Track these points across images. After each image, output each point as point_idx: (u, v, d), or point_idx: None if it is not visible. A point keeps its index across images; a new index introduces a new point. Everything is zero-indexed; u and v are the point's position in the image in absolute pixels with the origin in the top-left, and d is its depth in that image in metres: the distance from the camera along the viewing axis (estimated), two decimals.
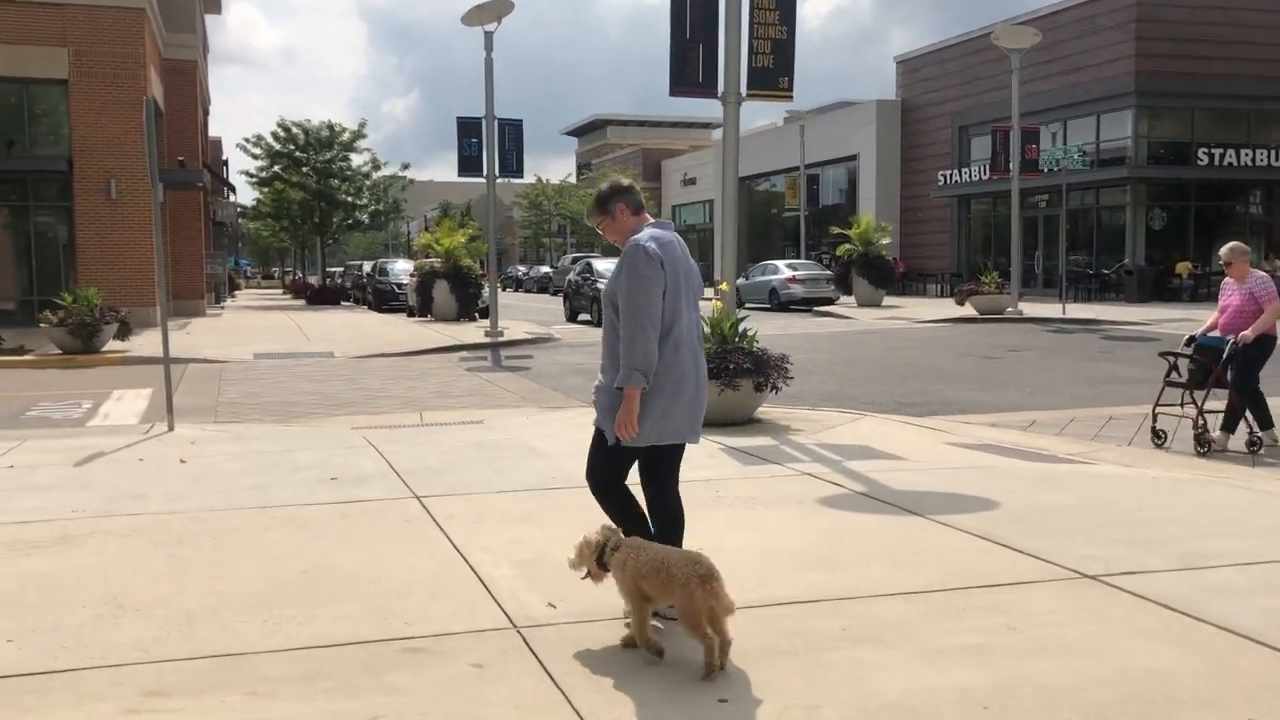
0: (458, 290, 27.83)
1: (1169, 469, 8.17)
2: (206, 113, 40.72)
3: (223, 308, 40.00)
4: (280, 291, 68.27)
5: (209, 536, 5.93)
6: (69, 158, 24.75)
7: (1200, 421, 8.88)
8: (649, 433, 4.35)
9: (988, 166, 34.56)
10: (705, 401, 4.58)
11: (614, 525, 4.41)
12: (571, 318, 28.36)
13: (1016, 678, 3.83)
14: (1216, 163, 32.76)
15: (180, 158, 30.54)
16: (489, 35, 21.05)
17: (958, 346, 19.03)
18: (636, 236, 4.36)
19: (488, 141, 21.88)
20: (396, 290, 35.04)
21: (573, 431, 9.69)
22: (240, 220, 59.61)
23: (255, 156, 45.80)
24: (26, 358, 17.76)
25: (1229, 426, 9.12)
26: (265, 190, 47.24)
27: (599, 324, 25.93)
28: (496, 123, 21.83)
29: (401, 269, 36.83)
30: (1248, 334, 8.86)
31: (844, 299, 32.63)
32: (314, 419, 11.37)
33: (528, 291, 56.80)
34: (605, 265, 28.34)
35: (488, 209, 22.51)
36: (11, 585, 5.00)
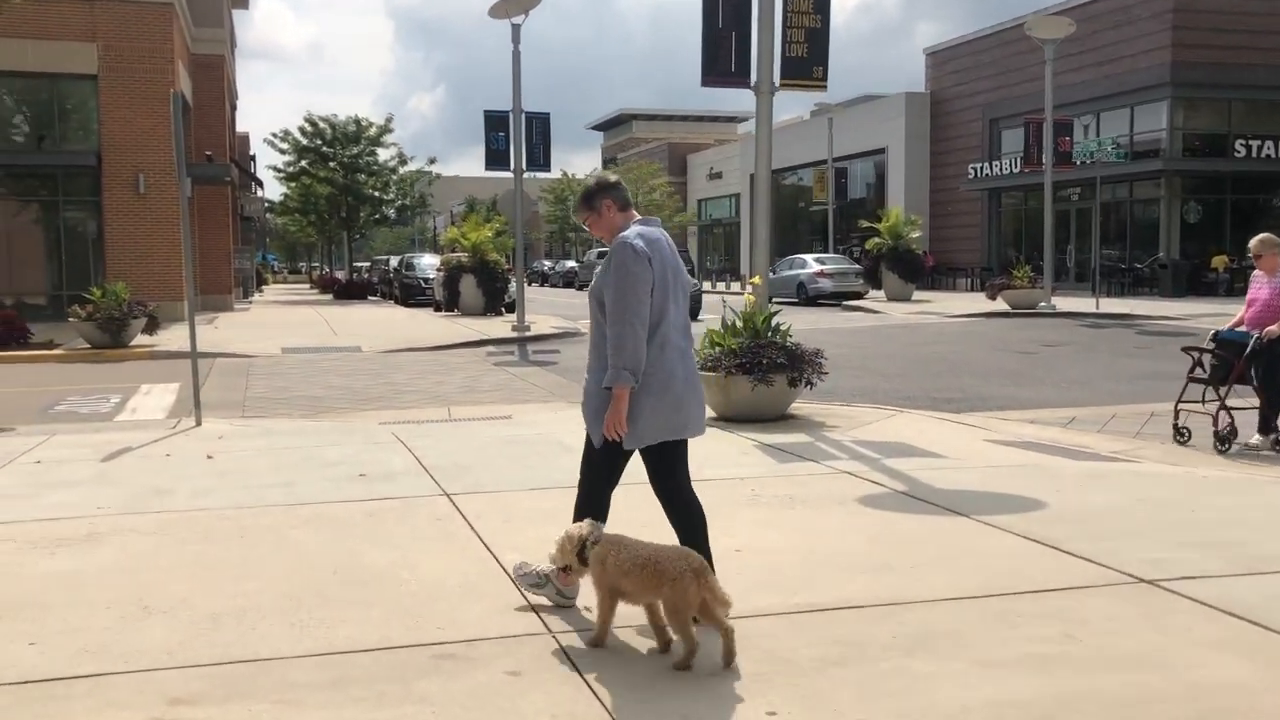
0: (484, 285, 27.74)
1: (1220, 468, 7.92)
2: (234, 108, 40.83)
3: (250, 302, 40.13)
4: (307, 286, 68.53)
5: (236, 534, 5.81)
6: (98, 152, 24.83)
7: (1226, 419, 8.59)
8: (637, 434, 4.25)
9: (1019, 159, 34.14)
10: (701, 394, 4.50)
11: (595, 520, 4.30)
12: None
13: (1079, 691, 3.63)
14: (1254, 155, 32.19)
15: (208, 152, 30.62)
16: (516, 28, 20.91)
17: (991, 342, 18.74)
18: (623, 234, 4.26)
19: (515, 135, 21.75)
20: (423, 285, 35.01)
21: None
22: (268, 215, 59.82)
23: (283, 151, 45.93)
24: (55, 352, 17.79)
25: (1266, 429, 8.79)
26: (292, 185, 47.35)
27: None
28: (524, 116, 21.70)
29: (428, 264, 36.78)
30: (1273, 329, 8.50)
31: (873, 293, 32.32)
32: (342, 414, 11.26)
33: (553, 286, 56.73)
34: None
35: (514, 203, 22.39)
36: (35, 586, 4.88)
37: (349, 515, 6.22)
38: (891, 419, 9.96)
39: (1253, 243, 9.07)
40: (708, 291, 36.23)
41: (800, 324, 10.79)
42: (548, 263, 66.67)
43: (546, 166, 23.03)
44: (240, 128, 46.51)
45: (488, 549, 5.44)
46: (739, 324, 10.06)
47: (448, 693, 3.66)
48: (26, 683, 3.76)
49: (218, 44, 32.71)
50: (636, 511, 4.89)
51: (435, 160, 49.13)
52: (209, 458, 8.15)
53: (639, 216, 4.42)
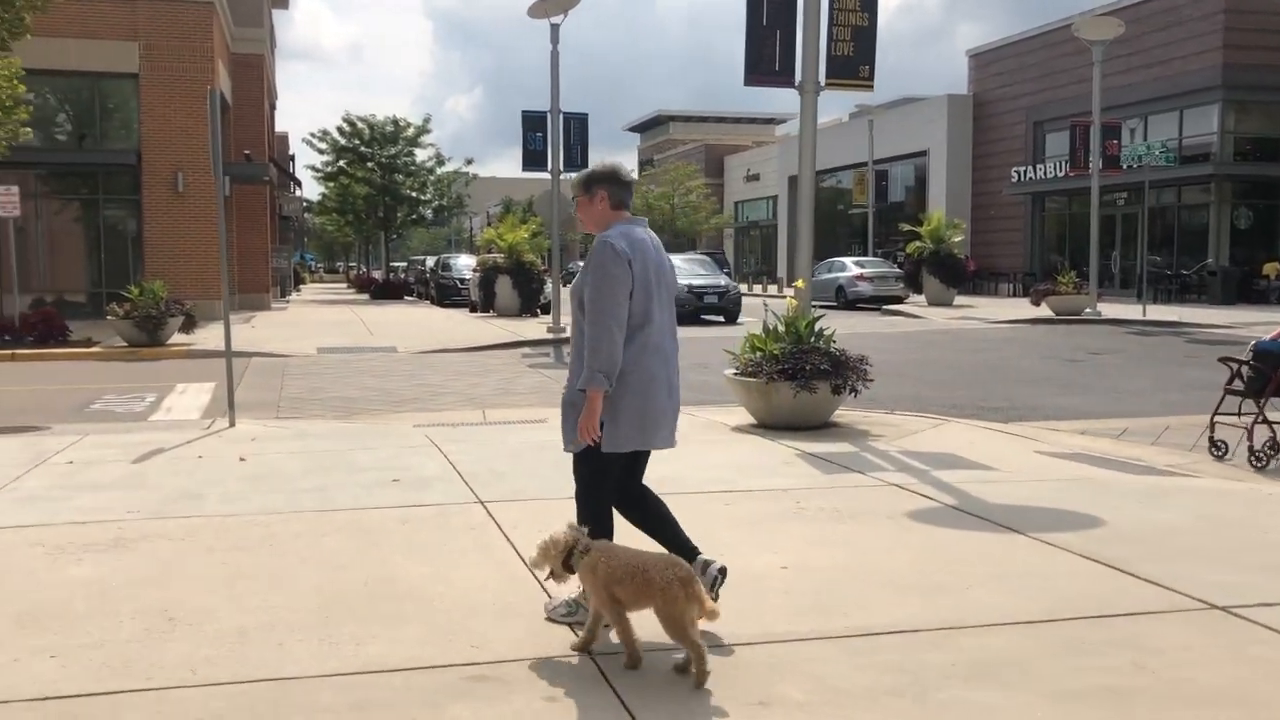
0: (520, 286, 27.65)
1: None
2: (273, 107, 41.05)
3: (288, 301, 40.31)
4: (344, 286, 68.91)
5: (265, 542, 5.65)
6: (138, 151, 24.97)
7: (1266, 432, 8.22)
8: (626, 438, 4.19)
9: (1064, 163, 33.58)
10: (679, 404, 4.44)
11: (579, 525, 4.18)
12: None
13: None
14: None
15: (247, 151, 30.74)
16: (555, 28, 20.77)
17: (1037, 348, 18.35)
18: (606, 233, 4.17)
19: (552, 136, 21.59)
20: (459, 285, 35.01)
21: None
22: (306, 214, 60.16)
23: (321, 151, 46.16)
24: (93, 350, 17.85)
25: None
26: (331, 185, 47.56)
27: None
28: (561, 117, 21.55)
29: (464, 264, 36.78)
30: None
31: (913, 298, 31.90)
32: (376, 416, 11.14)
33: None
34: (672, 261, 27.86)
35: (551, 204, 22.24)
36: (61, 594, 4.74)
37: (381, 523, 6.06)
38: (938, 428, 9.68)
39: None
40: (748, 295, 35.93)
41: (839, 328, 10.54)
42: (583, 263, 66.56)
43: (584, 167, 22.74)
44: (279, 127, 46.81)
45: (524, 562, 5.23)
46: (781, 328, 9.82)
47: (481, 719, 3.47)
48: (44, 699, 3.60)
49: (258, 43, 32.85)
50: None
51: (472, 161, 49.18)
52: (241, 460, 8.03)
53: (629, 217, 4.31)
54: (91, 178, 25.95)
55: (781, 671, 3.83)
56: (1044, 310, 25.71)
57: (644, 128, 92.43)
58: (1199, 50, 31.81)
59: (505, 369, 15.99)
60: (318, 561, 5.28)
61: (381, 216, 47.00)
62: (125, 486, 7.10)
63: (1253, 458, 8.15)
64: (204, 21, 25.19)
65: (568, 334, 20.58)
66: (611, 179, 4.33)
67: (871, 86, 10.56)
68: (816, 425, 9.42)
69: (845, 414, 10.09)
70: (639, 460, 4.45)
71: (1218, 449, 8.58)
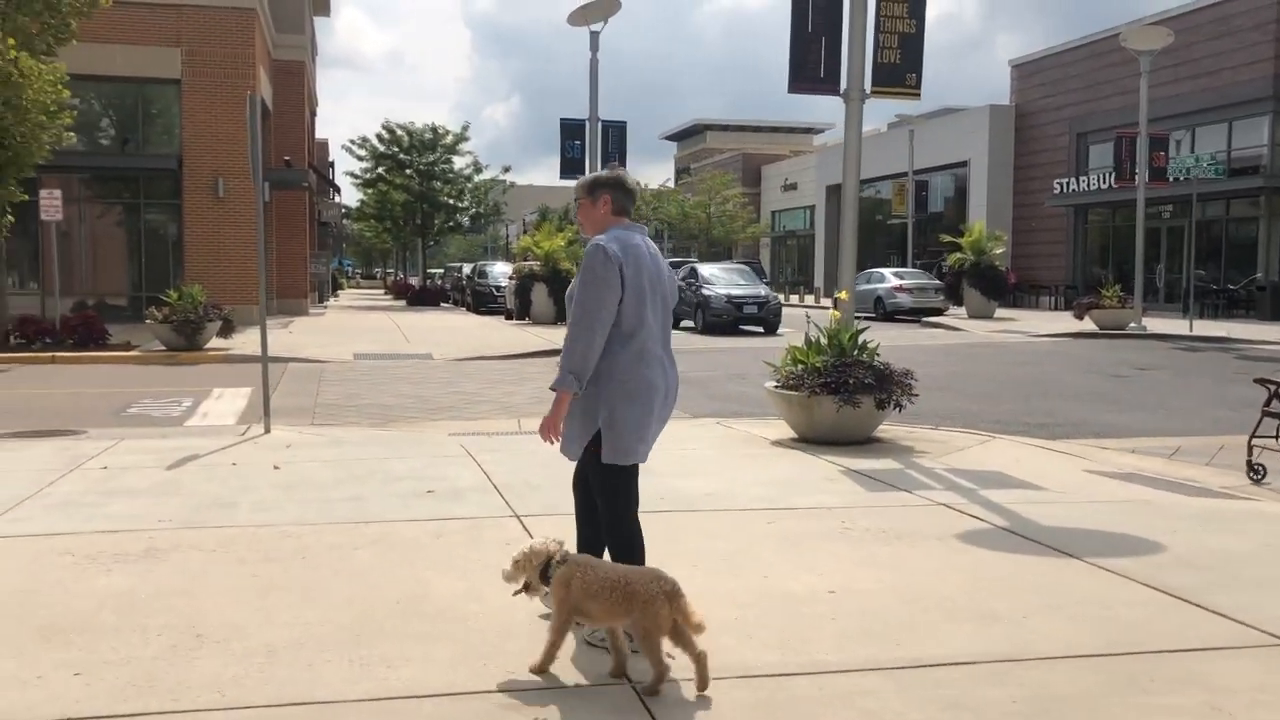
0: (556, 294, 27.55)
1: None
2: (314, 114, 41.32)
3: (325, 307, 40.50)
4: (381, 292, 69.26)
5: (297, 554, 5.53)
6: (179, 156, 25.14)
7: None
8: (632, 449, 4.17)
9: (1108, 175, 33.07)
10: (669, 416, 4.41)
11: (613, 557, 4.20)
12: (674, 324, 27.64)
13: None
14: None
15: (286, 158, 30.91)
16: (595, 35, 20.66)
17: (1081, 363, 17.98)
18: (599, 237, 4.15)
19: (590, 144, 21.47)
20: (495, 293, 35.01)
21: (679, 446, 9.16)
22: (344, 221, 60.53)
23: (360, 158, 46.37)
24: (132, 353, 17.92)
25: None
26: (369, 191, 47.77)
27: (702, 330, 25.32)
28: (600, 124, 21.44)
29: (500, 271, 36.81)
30: None
31: (953, 310, 31.49)
32: (411, 423, 11.04)
33: None
34: (710, 270, 27.65)
35: None
36: (89, 605, 4.64)
37: (415, 536, 5.92)
38: (984, 445, 9.43)
39: None
40: (789, 305, 35.60)
41: (878, 341, 10.29)
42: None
43: None
44: (319, 134, 47.10)
45: None
46: (823, 340, 9.62)
47: None
48: None
49: (299, 50, 33.05)
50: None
51: (510, 169, 49.24)
52: (275, 468, 7.94)
53: (628, 223, 4.29)
54: (133, 182, 26.16)
55: (832, 706, 3.65)
56: (1087, 324, 25.27)
57: (681, 136, 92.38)
58: (1250, 60, 31.20)
59: (541, 378, 15.84)
60: (350, 575, 5.15)
61: (419, 223, 47.14)
62: (158, 493, 7.01)
63: None
64: (246, 27, 25.34)
65: None
66: (617, 185, 4.32)
67: (918, 94, 10.34)
68: (859, 440, 9.21)
69: (888, 429, 9.87)
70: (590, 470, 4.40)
71: (1256, 473, 8.28)
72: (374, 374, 16.06)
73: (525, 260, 30.06)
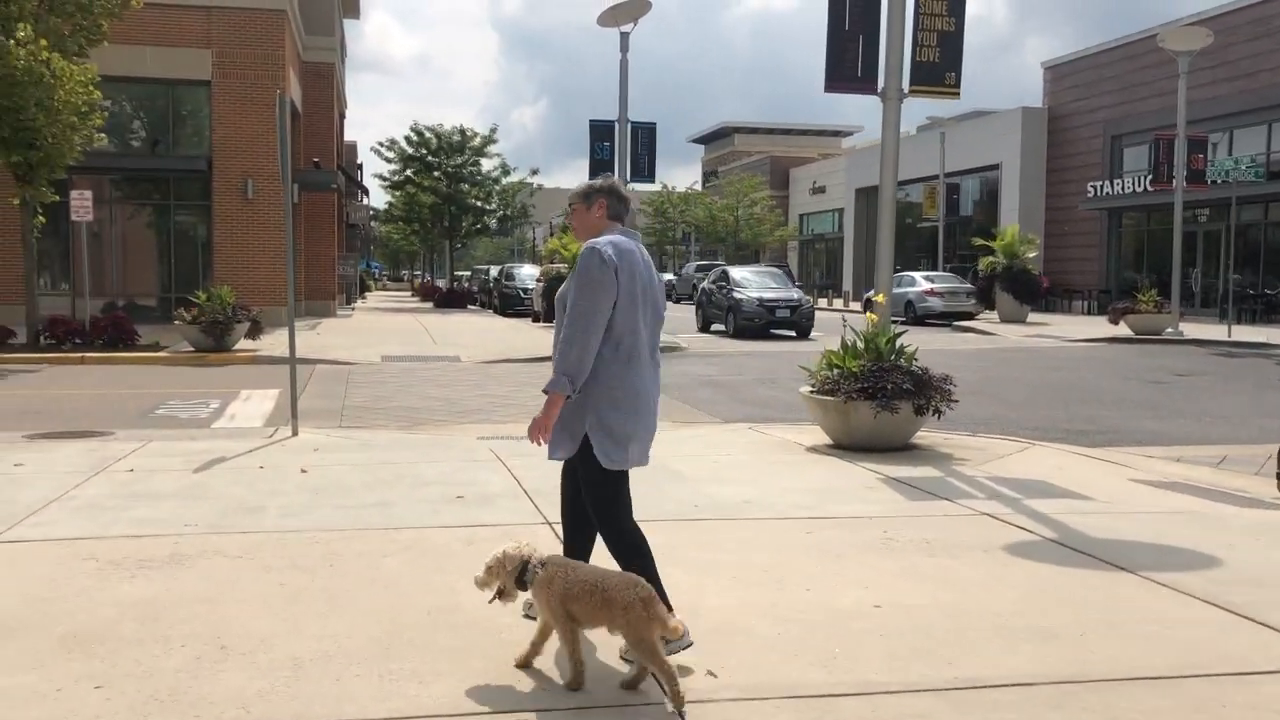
0: None
1: None
2: (343, 116, 41.41)
3: (353, 309, 40.56)
4: (409, 294, 69.42)
5: (325, 561, 5.39)
6: (209, 157, 25.19)
7: None
8: (628, 456, 4.13)
9: (1143, 178, 32.61)
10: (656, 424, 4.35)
11: (616, 559, 4.15)
12: (704, 328, 27.37)
13: None
14: None
15: (315, 159, 30.94)
16: (625, 36, 20.54)
17: (1118, 369, 17.66)
18: (595, 240, 4.12)
19: (620, 145, 21.36)
20: (522, 295, 34.94)
21: (712, 452, 8.99)
22: (372, 223, 60.69)
23: (388, 160, 46.38)
24: (160, 354, 17.91)
25: None
26: (397, 194, 47.80)
27: (733, 334, 25.10)
28: (629, 126, 21.30)
29: (527, 274, 36.72)
30: None
31: (984, 314, 31.12)
32: (439, 426, 10.92)
33: None
34: (742, 273, 27.42)
35: None
36: (111, 614, 4.51)
37: (446, 544, 5.77)
38: (1025, 452, 9.20)
39: None
40: (823, 309, 35.24)
41: (910, 345, 10.04)
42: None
43: (651, 177, 22.61)
44: (348, 137, 47.22)
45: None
46: (860, 345, 9.41)
47: None
48: None
49: (328, 52, 33.10)
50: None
51: (537, 171, 49.18)
52: (303, 471, 7.82)
53: (622, 229, 4.27)
54: (163, 183, 26.24)
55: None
56: (1122, 329, 24.88)
57: (708, 139, 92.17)
58: None
59: None
60: (379, 584, 5.00)
61: (446, 225, 47.12)
62: (185, 497, 6.90)
63: None
64: (276, 29, 25.37)
65: None
66: (612, 192, 4.32)
67: (958, 94, 10.11)
68: (897, 447, 8.99)
69: (925, 435, 9.64)
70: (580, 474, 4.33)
71: None
72: (401, 376, 15.96)
73: (553, 263, 29.93)
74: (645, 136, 22.18)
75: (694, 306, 29.42)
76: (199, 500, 6.81)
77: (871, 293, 10.13)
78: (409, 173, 46.17)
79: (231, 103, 24.95)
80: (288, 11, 25.92)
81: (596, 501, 4.19)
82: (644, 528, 6.21)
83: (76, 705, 3.56)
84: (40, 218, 18.51)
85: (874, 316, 9.56)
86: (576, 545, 4.40)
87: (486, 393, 14.01)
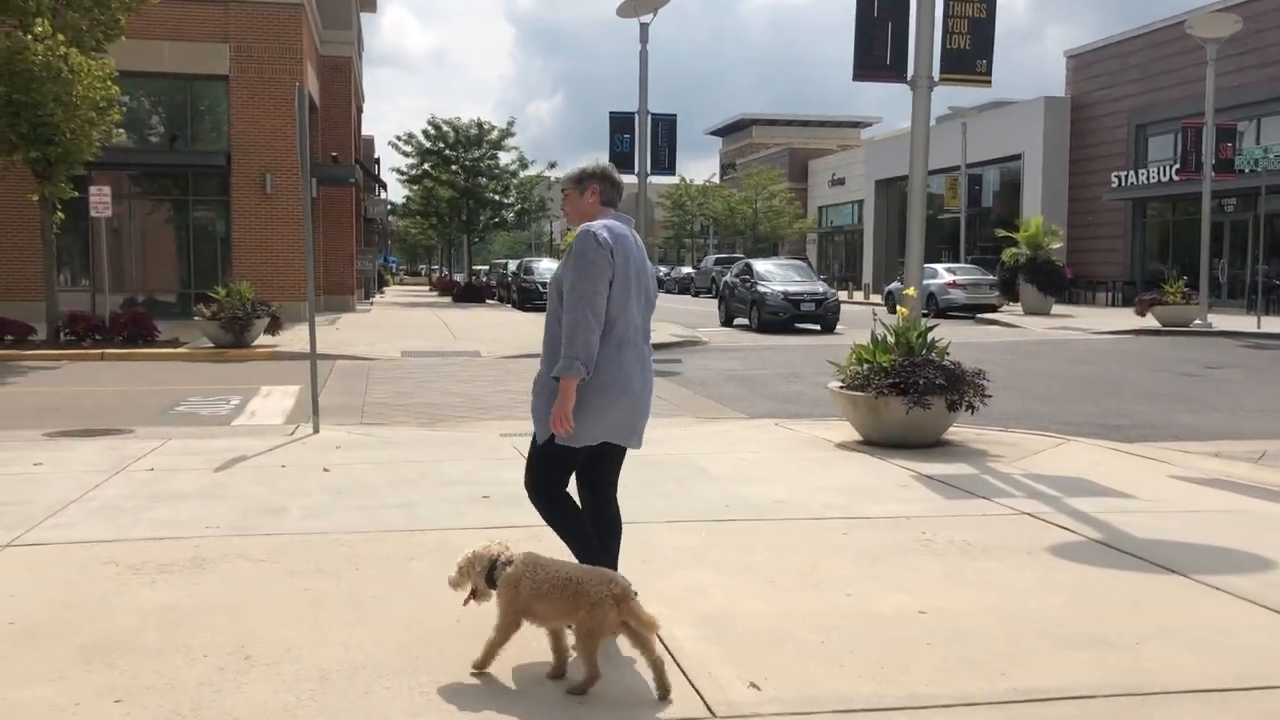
0: None
1: None
2: (360, 110, 41.33)
3: (371, 303, 40.53)
4: (427, 288, 69.42)
5: (350, 564, 5.25)
6: (227, 153, 25.13)
7: None
8: (586, 431, 4.09)
9: (1169, 167, 32.21)
10: (649, 408, 4.35)
11: (542, 516, 4.26)
12: (727, 321, 27.13)
13: None
14: None
15: (334, 154, 30.86)
16: (644, 27, 20.32)
17: (1147, 361, 17.39)
18: (589, 223, 4.14)
19: (640, 137, 21.15)
20: (540, 289, 34.77)
21: (739, 449, 8.82)
22: (390, 217, 60.68)
23: (406, 154, 46.33)
24: (180, 350, 17.85)
25: None
26: (415, 188, 47.77)
27: (757, 328, 24.89)
28: (649, 117, 21.10)
29: (546, 268, 36.56)
30: None
31: (1007, 306, 30.79)
32: (461, 423, 10.78)
33: (668, 292, 56.06)
34: (766, 266, 27.18)
35: (638, 206, 21.79)
36: (131, 621, 4.38)
37: (472, 546, 5.60)
38: (1059, 448, 8.99)
39: None
40: (847, 302, 34.88)
41: (941, 339, 9.84)
42: (664, 269, 66.14)
43: (671, 170, 22.40)
44: (365, 131, 47.16)
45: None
46: (890, 339, 9.22)
47: None
48: None
49: (345, 46, 33.01)
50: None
51: (555, 165, 49.05)
52: (325, 470, 7.69)
53: (615, 213, 4.28)
54: (182, 179, 26.21)
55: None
56: (1149, 321, 24.55)
57: (726, 131, 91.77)
58: None
59: None
60: (406, 590, 4.86)
61: (464, 220, 47.05)
62: (206, 497, 6.78)
63: None
64: (294, 23, 25.27)
65: (651, 341, 20.17)
66: (605, 177, 4.34)
67: (989, 82, 9.89)
68: (929, 443, 8.80)
69: (956, 431, 9.45)
70: (609, 460, 4.36)
71: None
72: (422, 372, 15.84)
73: None
74: (666, 128, 21.94)
75: (716, 300, 29.19)
76: (220, 501, 6.68)
77: (894, 286, 9.94)
78: (426, 166, 46.11)
79: (249, 97, 24.88)
80: (305, 5, 25.83)
81: (535, 466, 4.25)
82: (675, 529, 6.09)
83: None
84: (59, 214, 18.47)
85: (905, 310, 9.37)
86: (611, 554, 4.34)
87: (508, 388, 13.87)
